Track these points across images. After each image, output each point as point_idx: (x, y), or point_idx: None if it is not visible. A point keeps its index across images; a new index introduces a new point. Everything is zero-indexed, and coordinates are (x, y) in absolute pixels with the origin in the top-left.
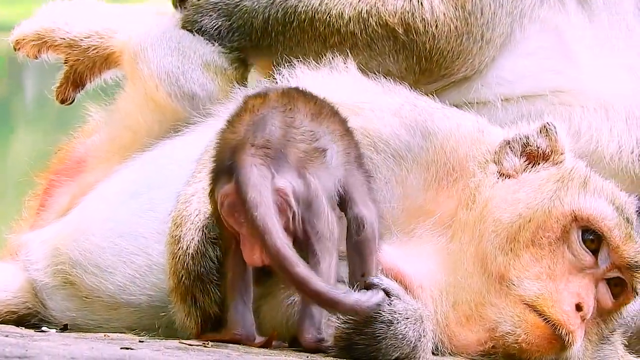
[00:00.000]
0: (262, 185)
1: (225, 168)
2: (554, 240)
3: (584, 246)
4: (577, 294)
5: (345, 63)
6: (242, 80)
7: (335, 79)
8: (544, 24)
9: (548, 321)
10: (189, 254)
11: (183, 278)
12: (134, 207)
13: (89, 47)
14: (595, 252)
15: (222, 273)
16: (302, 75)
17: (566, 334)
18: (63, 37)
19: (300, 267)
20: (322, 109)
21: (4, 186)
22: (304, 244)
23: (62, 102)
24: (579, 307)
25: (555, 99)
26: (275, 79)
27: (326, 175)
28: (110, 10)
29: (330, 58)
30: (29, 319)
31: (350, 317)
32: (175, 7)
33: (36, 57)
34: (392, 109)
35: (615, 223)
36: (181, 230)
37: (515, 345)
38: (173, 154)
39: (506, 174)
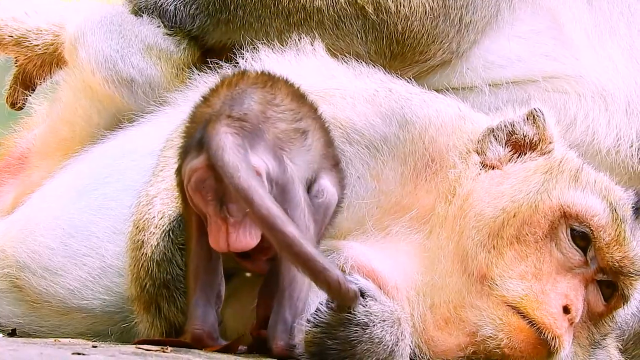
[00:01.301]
0: (238, 151)
1: (195, 141)
2: (541, 237)
3: (573, 244)
4: (564, 295)
5: (312, 45)
6: (193, 66)
7: (302, 63)
8: (537, 5)
9: (533, 324)
10: (153, 259)
11: (147, 286)
12: (85, 205)
13: (37, 45)
14: (585, 251)
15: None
16: (266, 58)
17: (552, 338)
18: (11, 34)
19: (292, 227)
20: (302, 93)
21: None
22: None
23: (13, 105)
24: (566, 310)
25: (549, 85)
26: (237, 63)
27: (303, 161)
28: (61, 5)
29: (297, 40)
30: None
31: (326, 307)
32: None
33: None
34: (365, 95)
35: (606, 222)
36: (144, 235)
37: (498, 350)
38: (126, 146)
39: (490, 165)
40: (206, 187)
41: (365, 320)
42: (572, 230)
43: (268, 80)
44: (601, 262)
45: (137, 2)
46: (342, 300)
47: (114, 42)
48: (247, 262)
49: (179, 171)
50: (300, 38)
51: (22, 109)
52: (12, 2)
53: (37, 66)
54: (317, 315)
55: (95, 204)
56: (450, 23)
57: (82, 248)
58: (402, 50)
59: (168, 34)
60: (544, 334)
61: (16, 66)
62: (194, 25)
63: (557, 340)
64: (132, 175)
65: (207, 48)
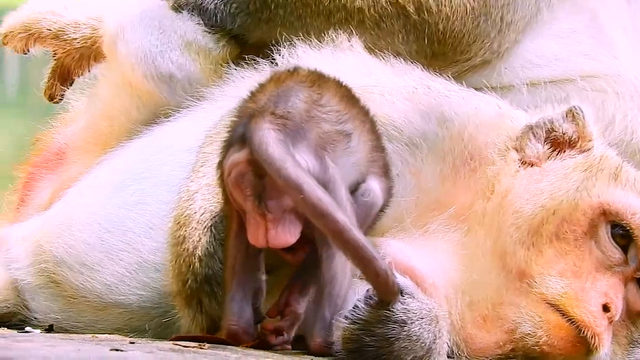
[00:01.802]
0: (282, 146)
1: (237, 136)
2: (580, 234)
3: (613, 242)
4: (604, 294)
5: (350, 41)
6: (234, 61)
7: (340, 60)
8: (576, 4)
9: (572, 322)
10: (195, 255)
11: (189, 281)
12: (121, 200)
13: (75, 38)
14: (625, 249)
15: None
16: (303, 54)
17: (592, 336)
18: (49, 27)
19: (342, 215)
20: (353, 95)
21: None
22: (317, 233)
23: (51, 98)
24: (606, 308)
25: (587, 85)
26: (275, 59)
27: (347, 162)
28: None
29: (334, 36)
30: (10, 318)
31: (364, 303)
32: None
33: (24, 52)
34: (404, 92)
35: None
36: (185, 230)
37: (536, 347)
38: (163, 142)
39: (529, 162)
40: (245, 182)
41: (403, 317)
42: (612, 228)
43: (317, 79)
44: None
45: (178, 2)
46: (386, 293)
47: (154, 37)
48: (287, 254)
49: (220, 165)
50: (338, 34)
51: (59, 102)
52: None
53: (75, 60)
54: (355, 312)
55: (131, 199)
56: (491, 23)
57: (119, 243)
58: (443, 50)
59: (207, 31)
60: (584, 332)
61: (54, 60)
62: (234, 24)
63: (596, 338)
64: (168, 171)
65: (246, 46)
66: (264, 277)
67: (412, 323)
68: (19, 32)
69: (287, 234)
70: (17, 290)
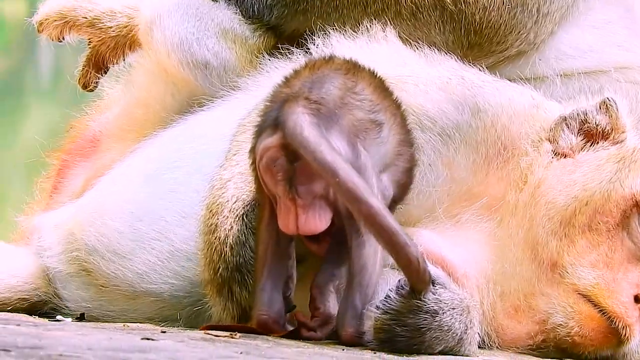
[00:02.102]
0: (317, 129)
1: (270, 120)
2: (613, 225)
3: None
4: (636, 285)
5: (384, 31)
6: (268, 52)
7: (374, 49)
8: None
9: (604, 313)
10: (227, 243)
11: (220, 269)
12: (154, 189)
13: (111, 26)
14: None
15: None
16: (337, 44)
17: (623, 327)
18: (85, 15)
19: (376, 200)
20: (386, 86)
21: (16, 166)
22: (347, 220)
23: (85, 86)
24: (637, 299)
25: (621, 76)
26: (309, 48)
27: (376, 152)
28: None
29: (368, 26)
30: (42, 306)
31: (395, 293)
32: None
33: (60, 40)
34: (438, 82)
35: None
36: (217, 219)
37: (568, 338)
38: (196, 131)
39: (562, 154)
40: (277, 167)
41: (435, 307)
42: None
43: (352, 68)
44: None
45: None
46: (418, 281)
47: (190, 24)
48: (313, 244)
49: (252, 150)
50: (373, 25)
51: (93, 90)
52: None
53: (110, 48)
54: (386, 301)
55: (164, 188)
56: (528, 13)
57: (151, 232)
58: (479, 41)
59: (244, 20)
60: (615, 322)
61: (89, 48)
62: (271, 16)
63: (627, 329)
64: (201, 160)
65: (282, 36)
66: (294, 266)
67: (443, 313)
68: (55, 20)
69: (317, 221)
70: (49, 279)
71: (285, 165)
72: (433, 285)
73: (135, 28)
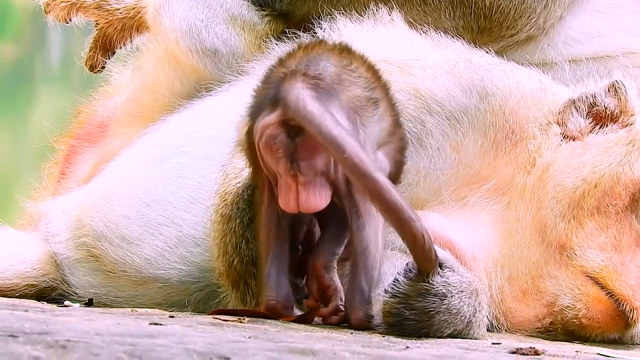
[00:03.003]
0: (319, 102)
1: (268, 99)
2: (621, 208)
3: None
4: None
5: (390, 15)
6: (275, 36)
7: (381, 33)
8: None
9: (611, 295)
10: (243, 235)
11: (235, 262)
12: (161, 174)
13: (118, 8)
14: None
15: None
16: (344, 28)
17: (630, 310)
18: None
19: (381, 175)
20: (377, 68)
21: (26, 153)
22: (347, 200)
23: (92, 68)
24: None
25: (629, 61)
26: (315, 32)
27: (373, 130)
28: None
29: (374, 10)
30: (50, 292)
31: (404, 277)
32: None
33: (66, 21)
34: (445, 66)
35: None
36: (232, 209)
37: (575, 320)
38: (204, 116)
39: (570, 136)
40: (278, 144)
41: (443, 290)
42: None
43: (345, 49)
44: None
45: None
46: (424, 257)
47: (199, 11)
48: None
49: (249, 132)
50: (379, 8)
51: (100, 72)
52: None
53: (117, 30)
54: (395, 285)
55: (171, 173)
56: None
57: (159, 217)
58: (489, 25)
59: (253, 6)
60: (623, 305)
61: (96, 29)
62: (282, 3)
63: (635, 312)
64: (208, 145)
65: (291, 22)
66: (298, 251)
67: (452, 296)
68: (62, 1)
69: (317, 198)
70: (57, 265)
71: (286, 142)
72: (441, 268)
73: (142, 10)
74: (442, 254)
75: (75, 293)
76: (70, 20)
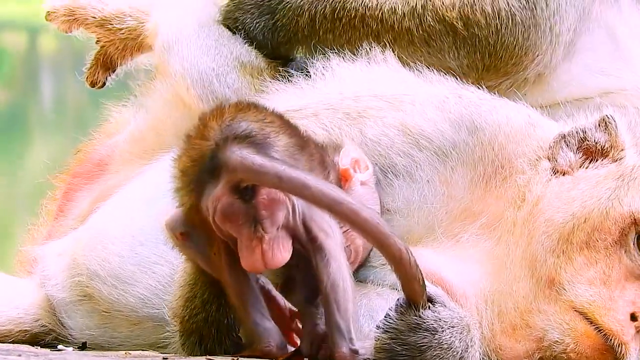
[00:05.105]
0: (263, 156)
1: (206, 173)
2: (611, 243)
3: (638, 251)
4: (632, 302)
5: (383, 54)
6: (274, 76)
7: (373, 71)
8: (594, 20)
9: (600, 330)
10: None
11: (198, 317)
12: (154, 213)
13: (120, 29)
14: None
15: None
16: (337, 67)
17: (619, 345)
18: (94, 15)
19: (348, 197)
20: (283, 115)
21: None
22: (307, 241)
23: (92, 85)
24: (633, 317)
25: (606, 101)
26: (309, 71)
27: (310, 169)
28: None
29: (367, 49)
30: (44, 337)
31: (395, 311)
32: None
33: (67, 32)
34: (435, 102)
35: None
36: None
37: (564, 355)
38: None
39: (560, 171)
40: (235, 211)
41: (435, 325)
42: (638, 238)
43: (252, 105)
44: None
45: (224, 19)
46: (410, 275)
47: (209, 58)
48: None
49: (194, 210)
50: (371, 48)
51: (102, 88)
52: None
53: (118, 50)
54: (386, 320)
55: (164, 211)
56: (542, 33)
57: (152, 256)
58: (495, 63)
59: (259, 53)
60: (611, 340)
61: (98, 46)
62: (285, 51)
63: (623, 347)
64: None
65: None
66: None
67: (443, 331)
68: (63, 14)
69: (281, 252)
70: (52, 308)
71: (243, 207)
72: (432, 304)
73: (144, 32)
74: (433, 289)
75: (71, 335)
76: (71, 32)
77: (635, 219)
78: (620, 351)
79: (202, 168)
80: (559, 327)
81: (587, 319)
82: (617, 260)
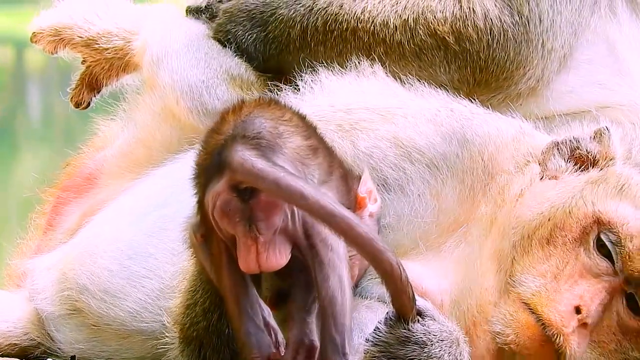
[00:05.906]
0: (264, 160)
1: (213, 168)
2: (570, 240)
3: (597, 251)
4: (579, 296)
5: (372, 67)
6: (263, 89)
7: (363, 84)
8: (594, 33)
9: (539, 320)
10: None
11: (199, 325)
12: (144, 226)
13: (107, 48)
14: (614, 260)
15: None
16: (326, 80)
17: (557, 335)
18: (80, 35)
19: (347, 211)
20: (306, 115)
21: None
22: (308, 252)
23: (77, 105)
24: (578, 310)
25: (602, 116)
26: (297, 85)
27: (319, 176)
28: (132, 9)
29: (356, 62)
30: (33, 350)
31: (384, 324)
32: (189, 16)
33: (52, 53)
34: (427, 115)
35: (637, 231)
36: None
37: (505, 347)
38: (186, 169)
39: (548, 176)
40: (232, 209)
41: (424, 339)
42: (598, 239)
43: (272, 102)
44: (625, 271)
45: (215, 32)
46: (400, 291)
47: (199, 71)
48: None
49: (200, 203)
50: (360, 61)
51: (86, 109)
52: (84, 2)
53: (104, 70)
54: (375, 333)
55: (153, 225)
56: (533, 49)
57: (141, 270)
58: (485, 77)
59: (249, 66)
60: (549, 330)
61: (83, 66)
62: (276, 63)
63: (561, 337)
64: (190, 198)
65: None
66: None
67: (432, 345)
68: (49, 35)
69: (277, 256)
70: (41, 322)
71: (240, 206)
72: (422, 317)
73: (131, 52)
74: (422, 303)
75: (61, 349)
76: (57, 52)
77: (597, 218)
78: (558, 342)
79: (209, 162)
80: (502, 319)
81: (530, 309)
82: (574, 256)
